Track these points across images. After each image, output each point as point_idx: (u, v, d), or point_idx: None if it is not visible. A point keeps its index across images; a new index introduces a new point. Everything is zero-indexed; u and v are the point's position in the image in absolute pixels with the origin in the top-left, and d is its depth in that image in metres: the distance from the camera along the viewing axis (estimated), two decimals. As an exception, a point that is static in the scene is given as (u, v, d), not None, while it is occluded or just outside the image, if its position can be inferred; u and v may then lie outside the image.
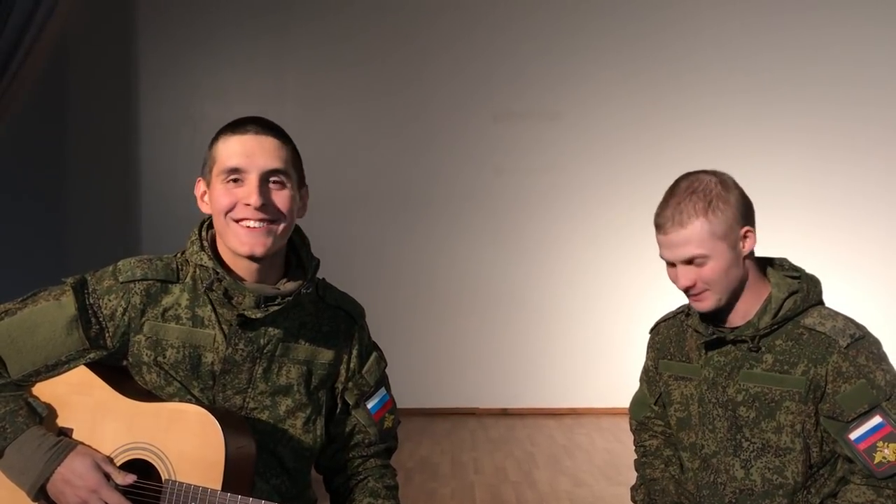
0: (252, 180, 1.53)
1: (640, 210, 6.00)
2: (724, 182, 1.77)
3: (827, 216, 6.07)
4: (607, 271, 6.23)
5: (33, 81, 4.34)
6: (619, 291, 6.18)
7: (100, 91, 6.11)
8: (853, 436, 1.69)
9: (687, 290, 1.78)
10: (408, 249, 6.28)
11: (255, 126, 1.57)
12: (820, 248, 5.54)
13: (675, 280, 1.81)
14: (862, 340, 1.74)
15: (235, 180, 1.54)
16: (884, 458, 1.67)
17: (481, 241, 6.29)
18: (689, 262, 1.75)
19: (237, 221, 1.53)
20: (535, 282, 6.27)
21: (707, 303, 1.78)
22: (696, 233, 1.73)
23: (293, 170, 1.59)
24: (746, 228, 1.77)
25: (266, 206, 1.53)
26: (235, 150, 1.55)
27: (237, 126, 1.58)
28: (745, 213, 1.77)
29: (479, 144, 6.31)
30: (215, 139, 1.59)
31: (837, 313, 1.80)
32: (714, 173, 1.79)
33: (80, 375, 1.55)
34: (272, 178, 1.55)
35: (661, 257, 1.81)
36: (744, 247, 1.77)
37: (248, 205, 1.51)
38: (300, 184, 1.62)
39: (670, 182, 1.83)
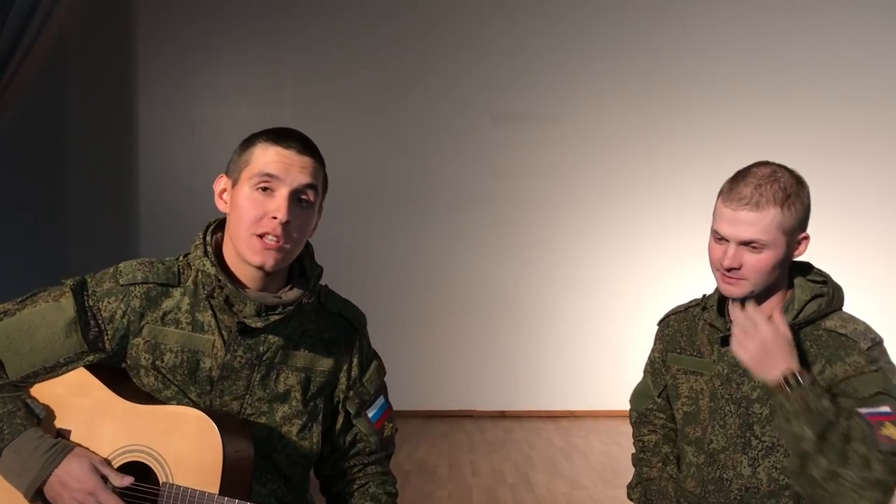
0: (283, 194, 1.52)
1: (639, 213, 6.11)
2: (801, 182, 1.77)
3: (830, 218, 6.06)
4: (605, 274, 6.23)
5: (31, 83, 4.34)
6: (616, 294, 6.18)
7: (98, 93, 6.10)
8: (862, 410, 1.67)
9: (727, 271, 1.75)
10: (406, 252, 6.28)
11: (298, 143, 1.57)
12: (819, 249, 5.54)
13: (718, 257, 1.76)
14: (881, 345, 1.75)
15: (265, 189, 1.53)
16: (890, 434, 1.65)
17: (480, 244, 6.29)
18: (746, 243, 1.73)
19: (257, 235, 1.52)
20: (533, 284, 6.27)
21: (739, 290, 1.76)
22: (767, 219, 1.71)
23: (321, 192, 1.61)
24: (804, 234, 1.77)
25: (289, 224, 1.52)
26: (274, 159, 1.54)
27: (280, 137, 1.57)
28: (807, 219, 1.78)
29: (478, 147, 6.31)
30: (252, 142, 1.58)
31: (857, 318, 1.80)
32: (791, 170, 1.79)
33: (79, 377, 1.55)
34: (302, 196, 1.55)
35: (714, 229, 1.78)
36: (797, 250, 1.78)
37: (275, 218, 1.50)
38: (320, 207, 1.63)
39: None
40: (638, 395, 2.09)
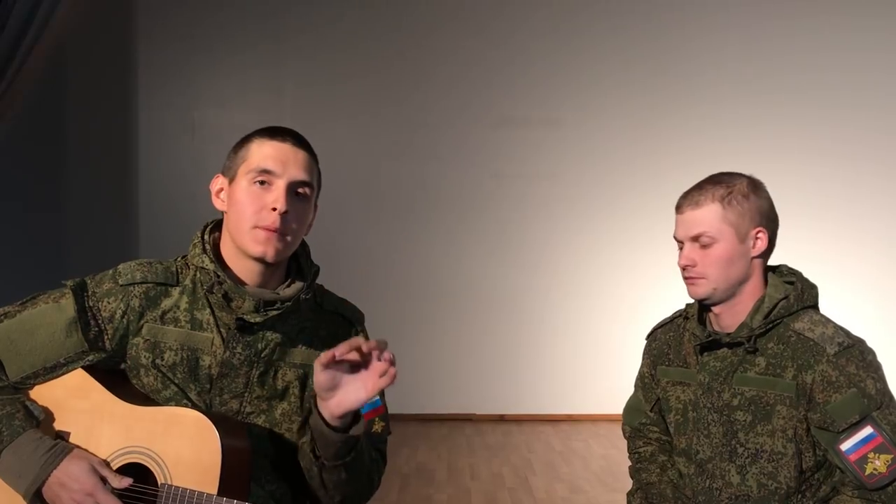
0: (281, 186, 1.55)
1: (639, 216, 6.12)
2: (754, 183, 1.83)
3: (831, 221, 6.07)
4: (605, 277, 6.23)
5: (32, 84, 4.34)
6: (616, 298, 6.19)
7: (99, 96, 6.11)
8: (844, 447, 1.69)
9: (684, 270, 1.81)
10: (406, 255, 6.29)
11: (292, 138, 1.61)
12: (818, 252, 5.55)
13: (679, 261, 1.85)
14: (851, 349, 1.73)
15: (263, 182, 1.56)
16: (875, 469, 1.66)
17: (479, 248, 6.29)
18: (696, 239, 1.79)
19: (258, 227, 1.54)
20: (532, 288, 6.28)
21: (700, 289, 1.80)
22: (708, 214, 1.78)
23: (316, 188, 1.63)
24: (759, 229, 1.80)
25: (288, 214, 1.55)
26: (271, 153, 1.57)
27: (275, 133, 1.61)
28: (764, 216, 1.81)
29: (478, 151, 6.32)
30: (247, 141, 1.61)
31: (829, 320, 1.80)
32: (749, 176, 1.84)
33: (78, 379, 1.55)
34: (298, 189, 1.58)
35: (674, 237, 1.86)
36: (753, 247, 1.80)
37: (275, 209, 1.53)
38: (315, 204, 1.65)
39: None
40: (630, 409, 2.09)
